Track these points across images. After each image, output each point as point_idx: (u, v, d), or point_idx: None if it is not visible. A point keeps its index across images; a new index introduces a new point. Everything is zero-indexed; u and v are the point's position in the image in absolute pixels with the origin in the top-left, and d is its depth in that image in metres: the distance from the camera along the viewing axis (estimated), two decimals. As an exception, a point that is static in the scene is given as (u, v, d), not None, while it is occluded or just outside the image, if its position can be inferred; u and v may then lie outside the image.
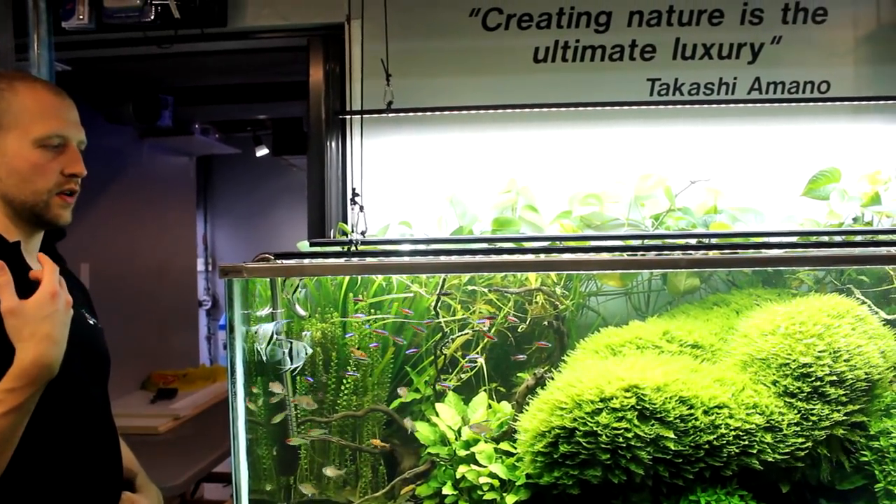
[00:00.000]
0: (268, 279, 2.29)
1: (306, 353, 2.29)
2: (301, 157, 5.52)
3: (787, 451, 2.02)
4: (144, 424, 3.77)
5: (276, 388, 2.32)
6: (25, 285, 1.46)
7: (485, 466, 2.20)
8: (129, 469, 1.78)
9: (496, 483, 2.18)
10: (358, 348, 2.41)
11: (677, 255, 2.18)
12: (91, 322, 1.72)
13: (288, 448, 2.39)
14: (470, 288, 2.48)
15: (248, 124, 5.88)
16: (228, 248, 7.68)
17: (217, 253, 7.72)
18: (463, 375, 2.41)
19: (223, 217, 7.74)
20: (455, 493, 2.23)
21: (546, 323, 2.47)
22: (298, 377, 2.39)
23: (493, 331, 2.43)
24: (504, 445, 2.25)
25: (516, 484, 2.16)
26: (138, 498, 1.74)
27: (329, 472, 2.36)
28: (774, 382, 2.08)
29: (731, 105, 2.86)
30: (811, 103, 2.84)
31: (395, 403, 2.44)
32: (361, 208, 2.53)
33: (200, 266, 7.22)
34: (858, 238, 2.52)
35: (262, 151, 6.14)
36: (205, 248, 7.62)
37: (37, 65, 2.85)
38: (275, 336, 2.22)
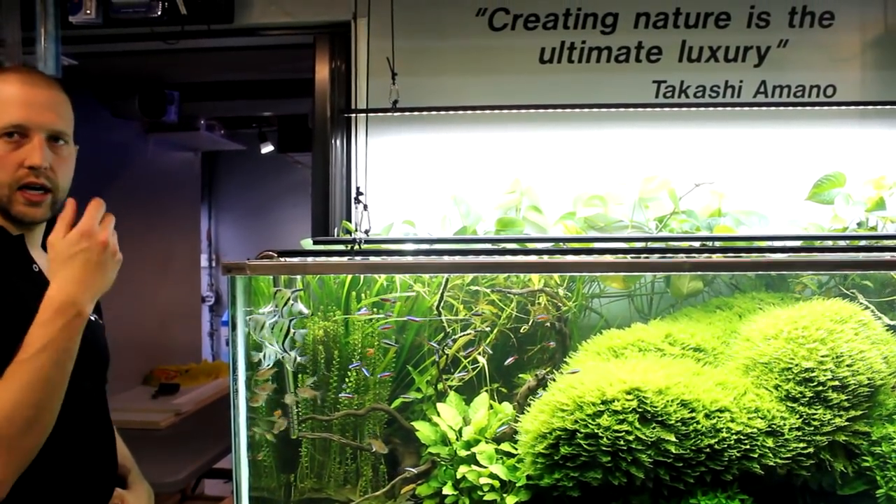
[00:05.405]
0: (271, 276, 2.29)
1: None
2: (306, 155, 5.53)
3: (788, 455, 2.02)
4: (146, 419, 3.78)
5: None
6: (30, 278, 1.46)
7: (485, 467, 2.20)
8: (122, 465, 1.76)
9: (497, 484, 2.18)
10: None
11: (681, 258, 2.18)
12: (91, 318, 1.70)
13: (289, 445, 2.39)
14: (473, 288, 2.48)
15: (253, 121, 5.88)
16: (232, 244, 7.70)
17: (221, 249, 7.74)
18: (464, 375, 2.41)
19: (227, 213, 7.75)
20: (455, 493, 2.23)
21: (548, 324, 2.47)
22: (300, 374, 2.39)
23: (495, 331, 2.43)
24: (505, 446, 2.25)
25: (517, 485, 2.16)
26: (127, 495, 1.70)
27: None
28: (776, 387, 2.08)
29: (737, 108, 2.85)
30: (817, 107, 2.83)
31: (397, 402, 2.44)
32: (365, 207, 2.52)
33: (204, 262, 7.24)
34: (863, 243, 2.51)
35: (267, 148, 6.14)
36: (209, 244, 7.64)
37: (43, 58, 2.85)
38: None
